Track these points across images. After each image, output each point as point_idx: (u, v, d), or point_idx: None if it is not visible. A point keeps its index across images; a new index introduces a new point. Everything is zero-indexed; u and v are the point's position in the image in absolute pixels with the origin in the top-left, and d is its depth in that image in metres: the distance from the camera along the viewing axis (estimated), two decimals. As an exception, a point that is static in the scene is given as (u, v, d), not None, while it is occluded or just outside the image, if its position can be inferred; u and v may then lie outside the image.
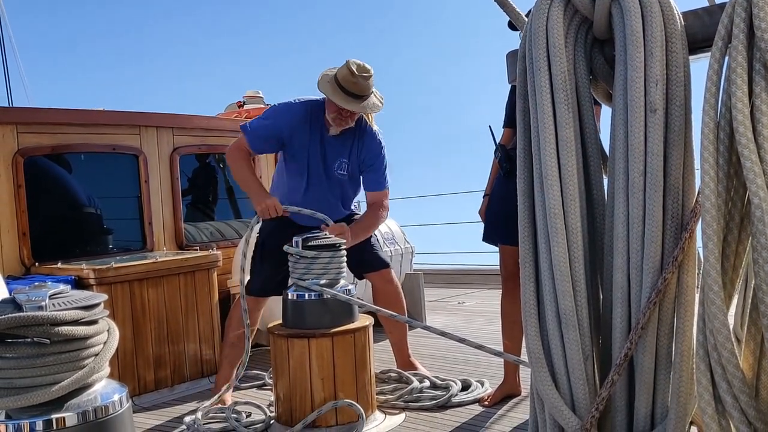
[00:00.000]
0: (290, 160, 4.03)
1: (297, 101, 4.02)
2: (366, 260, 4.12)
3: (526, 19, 1.72)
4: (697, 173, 1.47)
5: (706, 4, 1.60)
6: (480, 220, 3.95)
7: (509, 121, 3.79)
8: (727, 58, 1.34)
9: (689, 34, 1.52)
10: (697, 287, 1.48)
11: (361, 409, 3.25)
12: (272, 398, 3.61)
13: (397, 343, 4.25)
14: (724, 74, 1.35)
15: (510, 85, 3.79)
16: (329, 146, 4.01)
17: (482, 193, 3.97)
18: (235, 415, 3.51)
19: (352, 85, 3.76)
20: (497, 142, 3.76)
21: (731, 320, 1.39)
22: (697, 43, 1.53)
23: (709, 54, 1.38)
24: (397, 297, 4.18)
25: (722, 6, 1.39)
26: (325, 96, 3.88)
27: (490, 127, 3.84)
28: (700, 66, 1.50)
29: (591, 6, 1.58)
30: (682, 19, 1.52)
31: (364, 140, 4.09)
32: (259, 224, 3.93)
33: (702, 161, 1.36)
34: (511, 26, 3.59)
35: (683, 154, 1.50)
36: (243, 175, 4.00)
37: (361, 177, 4.16)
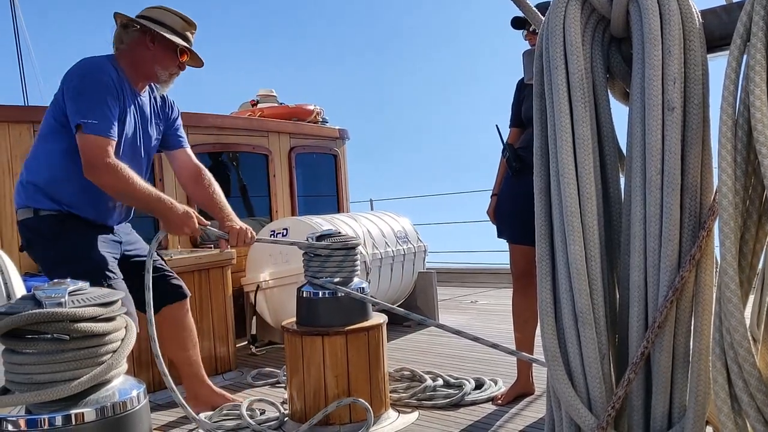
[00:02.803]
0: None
1: (93, 59, 3.20)
2: (164, 288, 3.48)
3: (542, 18, 1.72)
4: (715, 171, 1.46)
5: (725, 2, 1.59)
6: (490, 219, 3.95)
7: (515, 121, 3.80)
8: (745, 56, 1.34)
9: (707, 32, 1.52)
10: (715, 285, 1.47)
11: (368, 405, 3.25)
12: (286, 396, 3.62)
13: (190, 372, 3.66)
14: (742, 72, 1.35)
15: (516, 85, 3.80)
16: (142, 109, 3.34)
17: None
18: (249, 413, 3.52)
19: (190, 35, 3.31)
20: (504, 141, 3.76)
21: (748, 319, 1.39)
22: (715, 41, 1.53)
23: (727, 52, 1.37)
24: (193, 333, 3.65)
25: (741, 4, 1.38)
26: (149, 48, 3.24)
27: (497, 126, 3.84)
28: (718, 64, 1.49)
29: (608, 4, 1.58)
30: (700, 17, 1.52)
31: (166, 98, 3.52)
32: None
33: (720, 159, 1.35)
34: (514, 25, 3.59)
35: (701, 153, 1.50)
36: (141, 191, 3.10)
37: (164, 140, 3.56)
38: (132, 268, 3.34)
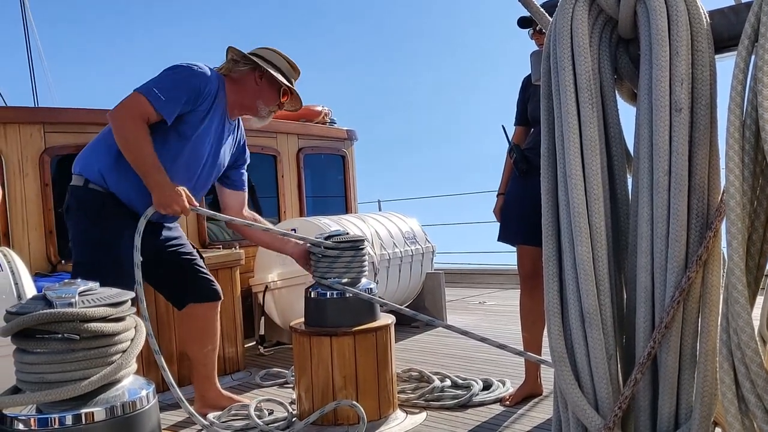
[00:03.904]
0: (176, 136, 3.26)
1: (204, 67, 3.33)
2: (198, 287, 3.62)
3: (549, 18, 1.72)
4: (722, 172, 1.46)
5: (732, 2, 1.59)
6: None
7: (521, 119, 3.80)
8: (753, 56, 1.34)
9: (715, 33, 1.52)
10: (722, 286, 1.47)
11: (361, 409, 3.24)
12: (294, 396, 3.63)
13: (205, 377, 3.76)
14: (750, 73, 1.35)
15: (521, 83, 3.80)
16: (225, 132, 3.49)
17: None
18: (257, 413, 3.53)
19: (294, 79, 3.51)
20: (510, 141, 3.76)
21: (757, 320, 1.39)
22: (723, 42, 1.53)
23: (735, 53, 1.37)
24: (216, 336, 3.76)
25: (749, 5, 1.38)
26: (255, 81, 3.43)
27: (503, 126, 3.84)
28: (725, 65, 1.49)
29: (616, 5, 1.58)
30: (707, 17, 1.52)
31: (242, 133, 3.71)
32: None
33: (727, 160, 1.35)
34: (521, 24, 3.60)
35: (708, 153, 1.50)
36: (147, 152, 3.07)
37: (227, 174, 3.69)
38: (168, 261, 3.49)
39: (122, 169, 3.16)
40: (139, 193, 3.20)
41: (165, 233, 3.52)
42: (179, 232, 3.64)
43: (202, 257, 3.76)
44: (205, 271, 3.67)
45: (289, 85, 3.49)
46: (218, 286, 3.72)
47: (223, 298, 3.75)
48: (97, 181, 3.23)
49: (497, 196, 3.94)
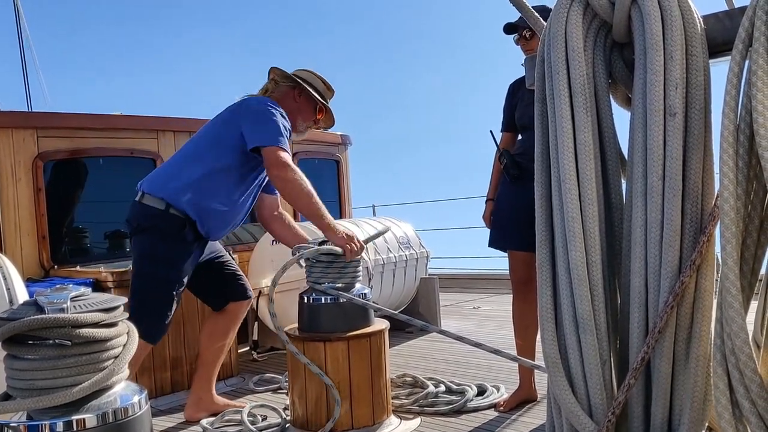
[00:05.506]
0: (251, 166, 3.56)
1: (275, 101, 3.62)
2: (235, 286, 3.86)
3: (545, 23, 1.72)
4: (716, 176, 1.46)
5: (726, 7, 1.60)
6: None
7: (508, 125, 3.79)
8: (747, 61, 1.34)
9: (709, 38, 1.52)
10: (716, 291, 1.47)
11: (338, 394, 3.24)
12: (288, 402, 3.62)
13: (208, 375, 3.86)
14: (744, 77, 1.35)
15: (507, 89, 3.79)
16: None
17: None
18: (250, 418, 3.52)
19: (328, 98, 3.79)
20: (500, 147, 3.75)
21: (750, 325, 1.39)
22: (718, 47, 1.53)
23: (729, 57, 1.37)
24: (233, 336, 3.97)
25: (743, 9, 1.38)
26: (293, 101, 3.70)
27: (491, 132, 3.83)
28: (720, 69, 1.49)
29: (610, 9, 1.58)
30: (702, 22, 1.52)
31: None
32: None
33: (721, 164, 1.35)
34: (506, 30, 3.59)
35: (702, 158, 1.50)
36: (316, 197, 3.42)
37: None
38: (211, 268, 3.75)
39: (205, 199, 3.43)
40: (219, 222, 3.52)
41: (209, 246, 3.71)
42: (217, 245, 3.86)
43: (233, 258, 3.99)
44: (238, 272, 3.90)
45: (324, 102, 3.77)
46: (248, 285, 3.92)
47: (252, 296, 3.94)
48: (179, 206, 3.41)
49: (486, 202, 3.92)
